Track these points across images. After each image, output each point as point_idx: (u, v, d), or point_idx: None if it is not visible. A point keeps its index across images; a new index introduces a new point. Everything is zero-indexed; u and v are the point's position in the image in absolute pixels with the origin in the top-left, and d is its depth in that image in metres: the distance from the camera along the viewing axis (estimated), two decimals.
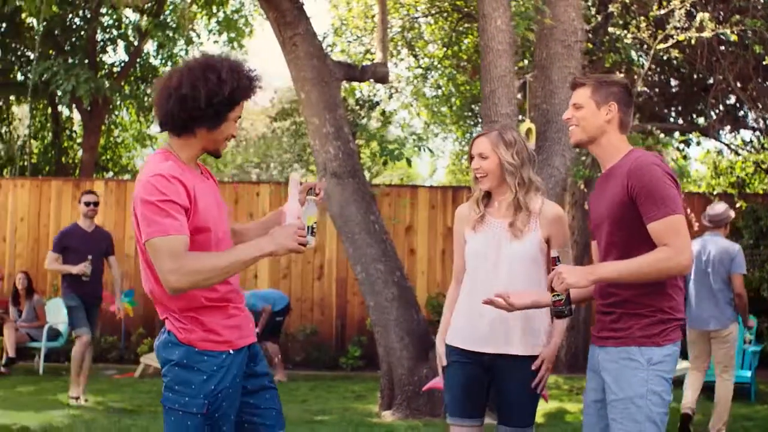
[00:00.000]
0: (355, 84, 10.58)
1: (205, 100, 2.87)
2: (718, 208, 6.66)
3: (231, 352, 2.97)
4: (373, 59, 10.61)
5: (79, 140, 15.55)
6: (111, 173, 15.97)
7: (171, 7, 12.93)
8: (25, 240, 11.69)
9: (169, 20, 12.72)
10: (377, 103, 10.96)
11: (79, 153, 14.81)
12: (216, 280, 2.84)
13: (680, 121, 12.96)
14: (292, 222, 2.91)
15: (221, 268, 2.80)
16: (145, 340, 11.07)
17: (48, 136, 15.55)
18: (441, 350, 3.76)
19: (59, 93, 12.16)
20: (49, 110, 15.25)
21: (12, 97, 14.70)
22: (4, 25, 13.19)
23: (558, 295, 3.16)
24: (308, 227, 3.03)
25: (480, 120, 10.57)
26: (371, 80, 8.80)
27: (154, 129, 17.17)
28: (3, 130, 15.30)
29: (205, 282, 2.81)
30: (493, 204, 3.70)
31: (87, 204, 8.10)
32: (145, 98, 15.01)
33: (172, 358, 2.92)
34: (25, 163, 14.74)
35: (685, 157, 13.28)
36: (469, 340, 3.64)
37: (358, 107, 10.64)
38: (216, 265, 2.80)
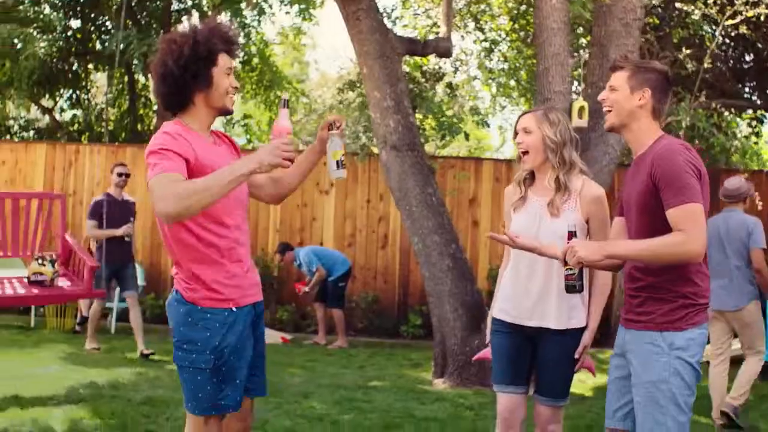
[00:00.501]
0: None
1: (176, 66, 3.08)
2: (734, 182, 6.27)
3: (234, 309, 3.18)
4: (438, 32, 10.74)
5: (153, 108, 15.91)
6: None
7: None
8: None
9: None
10: (443, 76, 11.06)
11: (154, 120, 15.14)
12: (206, 201, 2.93)
13: (754, 98, 12.75)
14: (278, 139, 3.02)
15: (207, 187, 2.91)
16: None
17: (124, 104, 15.90)
18: (490, 322, 3.98)
19: (135, 62, 12.37)
20: (126, 78, 15.61)
21: (91, 66, 15.06)
22: None
23: (570, 269, 3.28)
24: (336, 161, 3.21)
25: None
26: (434, 54, 8.90)
27: None
28: (82, 98, 15.67)
29: (195, 203, 2.91)
30: (536, 184, 3.86)
31: (120, 175, 9.03)
32: None
33: (178, 317, 3.17)
34: (102, 130, 15.09)
35: (757, 134, 13.08)
36: (513, 313, 3.83)
37: (424, 80, 10.74)
38: (201, 185, 2.92)
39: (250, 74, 15.92)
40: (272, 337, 10.35)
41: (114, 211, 8.76)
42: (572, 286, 3.32)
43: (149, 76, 14.52)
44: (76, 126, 15.53)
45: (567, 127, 3.81)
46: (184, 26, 3.28)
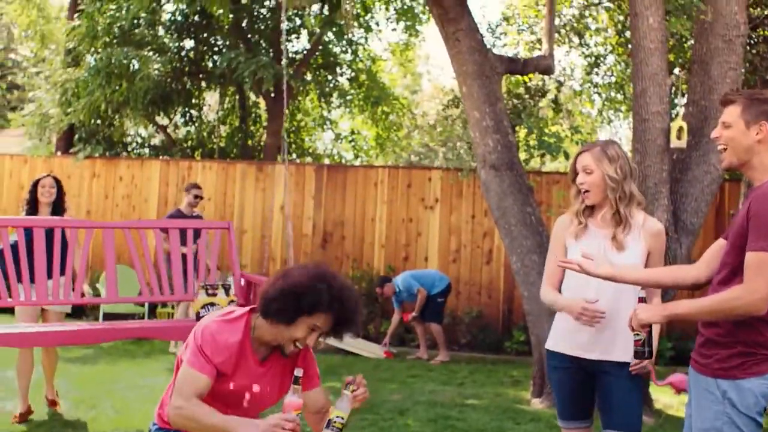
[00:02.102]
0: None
1: (292, 290, 3.11)
2: None
3: None
4: (536, 48, 10.85)
5: (263, 124, 16.28)
6: (294, 155, 16.68)
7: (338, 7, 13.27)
8: (212, 218, 12.35)
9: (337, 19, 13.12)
10: (547, 92, 11.08)
11: (264, 136, 15.50)
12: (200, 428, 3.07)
13: None
14: (284, 415, 3.02)
15: (209, 425, 3.04)
16: None
17: (235, 121, 16.25)
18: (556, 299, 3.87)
19: (245, 80, 12.77)
20: (236, 96, 15.97)
21: (203, 85, 15.48)
22: (196, 17, 13.94)
23: (637, 334, 3.29)
24: (329, 420, 3.11)
25: None
26: (535, 72, 8.96)
27: (335, 113, 17.95)
28: (195, 116, 16.09)
29: (192, 428, 3.08)
30: (595, 216, 3.85)
31: (195, 197, 9.71)
32: (326, 84, 15.59)
33: None
34: (214, 147, 15.56)
35: None
36: (572, 346, 3.81)
37: (527, 96, 10.81)
38: (207, 422, 3.05)
39: (357, 91, 16.11)
40: (375, 351, 10.49)
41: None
42: (640, 352, 3.31)
43: (259, 94, 15.21)
44: (189, 143, 15.96)
45: (626, 160, 3.81)
46: (339, 278, 3.21)
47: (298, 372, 3.08)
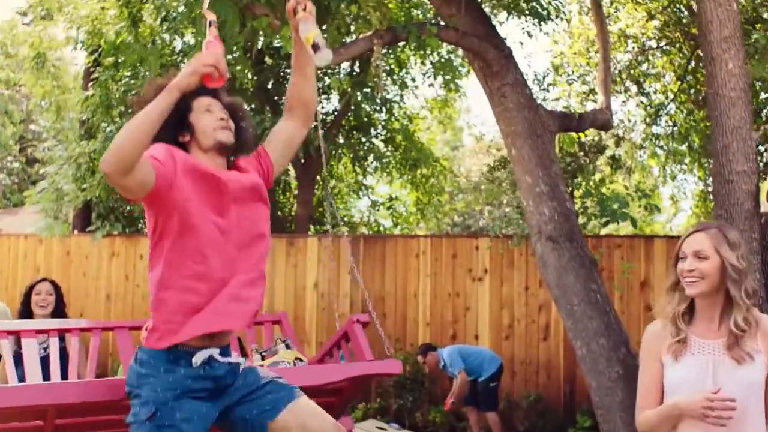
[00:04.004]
0: None
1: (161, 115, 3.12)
2: None
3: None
4: (597, 100, 10.28)
5: (294, 193, 16.05)
6: (328, 226, 16.08)
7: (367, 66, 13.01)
8: None
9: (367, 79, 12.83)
10: (604, 148, 10.51)
11: (294, 207, 15.29)
12: (135, 136, 2.99)
13: None
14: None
15: (132, 123, 2.99)
16: (359, 404, 11.28)
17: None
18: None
19: None
20: None
21: None
22: None
23: None
24: (312, 45, 3.19)
25: None
26: (590, 129, 8.45)
27: (371, 180, 17.67)
28: None
29: (124, 142, 2.96)
30: (695, 320, 3.28)
31: None
32: (360, 147, 15.36)
33: None
34: None
35: None
36: None
37: (582, 153, 10.23)
38: (128, 123, 3.01)
39: (393, 153, 15.88)
40: None
41: None
42: None
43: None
44: None
45: (746, 250, 3.30)
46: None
47: (210, 16, 3.27)
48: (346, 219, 17.05)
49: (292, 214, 15.54)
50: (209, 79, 3.16)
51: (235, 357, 3.39)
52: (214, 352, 3.28)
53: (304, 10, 3.30)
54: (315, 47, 3.19)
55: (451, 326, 11.62)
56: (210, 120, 3.35)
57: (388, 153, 15.81)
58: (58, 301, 5.75)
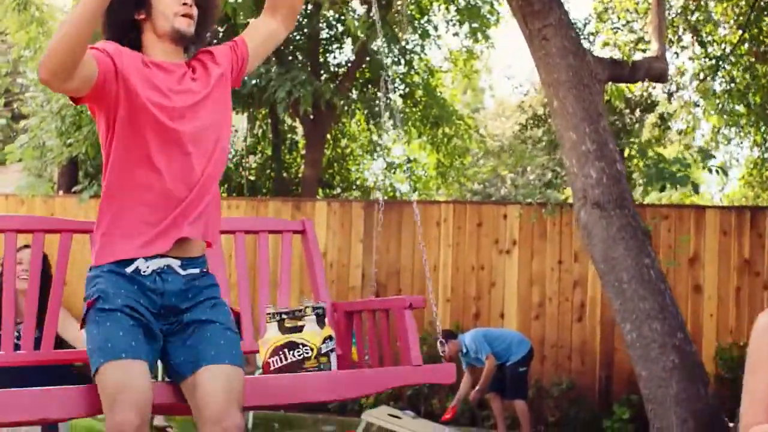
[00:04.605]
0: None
1: None
2: None
3: None
4: (646, 50, 9.80)
5: (301, 153, 15.83)
6: (338, 189, 16.02)
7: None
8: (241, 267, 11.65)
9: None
10: (654, 105, 9.94)
11: (301, 168, 15.08)
12: (72, 35, 2.85)
13: None
14: None
15: (67, 20, 2.88)
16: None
17: (267, 150, 15.91)
18: None
19: (279, 101, 12.25)
20: (269, 121, 15.56)
21: None
22: (221, 28, 13.42)
23: None
24: None
25: None
26: (645, 80, 7.92)
27: (386, 138, 17.19)
28: None
29: (60, 45, 2.84)
30: None
31: None
32: (376, 102, 14.92)
33: None
34: (242, 181, 15.04)
35: None
36: None
37: (627, 111, 9.67)
38: (62, 22, 2.90)
39: (413, 110, 15.49)
40: None
41: None
42: None
43: (295, 116, 14.68)
44: None
45: None
46: None
47: None
48: (358, 182, 16.89)
49: (299, 175, 15.32)
50: None
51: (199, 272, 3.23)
52: (173, 262, 3.17)
53: None
54: None
55: (474, 303, 11.29)
56: (171, 1, 3.18)
57: (407, 110, 15.49)
58: (45, 273, 4.82)
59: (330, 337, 3.73)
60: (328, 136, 14.54)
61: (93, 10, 2.89)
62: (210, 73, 3.27)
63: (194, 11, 3.24)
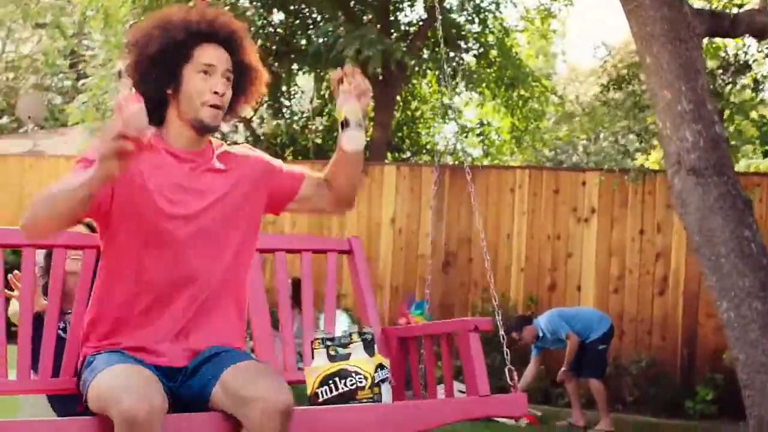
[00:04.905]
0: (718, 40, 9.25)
1: (142, 59, 2.98)
2: None
3: None
4: (743, 4, 9.34)
5: (370, 116, 15.22)
6: (407, 154, 15.81)
7: None
8: (305, 233, 11.68)
9: None
10: (748, 66, 9.42)
11: (370, 131, 14.76)
12: (46, 209, 2.73)
13: None
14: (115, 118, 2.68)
15: (47, 194, 2.73)
16: (439, 362, 10.51)
17: (334, 112, 15.42)
18: None
19: (347, 60, 11.86)
20: None
21: (295, 67, 14.81)
22: None
23: None
24: (343, 122, 3.08)
25: None
26: (746, 35, 7.44)
27: (459, 100, 17.15)
28: (284, 105, 15.61)
29: (39, 219, 2.75)
30: None
31: None
32: (448, 63, 14.63)
33: None
34: (308, 143, 14.95)
35: None
36: None
37: (720, 71, 9.16)
38: (43, 193, 2.75)
39: (486, 71, 15.18)
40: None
41: None
42: None
43: (365, 77, 14.29)
44: (278, 139, 15.48)
45: None
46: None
47: (118, 66, 2.75)
48: (428, 147, 16.69)
49: (367, 138, 14.82)
50: (133, 149, 2.58)
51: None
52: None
53: (351, 83, 3.13)
54: (345, 124, 3.09)
55: (549, 274, 11.10)
56: (202, 87, 2.99)
57: (481, 71, 15.18)
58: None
59: (381, 366, 3.43)
60: (398, 97, 14.33)
61: (91, 192, 2.70)
62: (234, 174, 3.11)
63: (225, 99, 3.05)
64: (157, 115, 3.01)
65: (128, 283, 2.98)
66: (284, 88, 15.21)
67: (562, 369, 9.23)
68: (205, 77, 2.98)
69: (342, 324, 9.75)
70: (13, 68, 25.18)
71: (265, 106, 15.44)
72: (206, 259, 3.02)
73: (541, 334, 9.34)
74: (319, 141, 15.36)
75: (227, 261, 3.06)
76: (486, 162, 17.04)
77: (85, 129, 14.15)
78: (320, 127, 15.80)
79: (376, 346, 3.44)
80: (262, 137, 15.47)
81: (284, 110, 15.57)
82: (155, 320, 2.99)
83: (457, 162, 15.17)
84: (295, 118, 15.76)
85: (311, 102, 15.70)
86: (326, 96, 15.53)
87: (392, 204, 11.45)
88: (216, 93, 2.99)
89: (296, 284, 9.90)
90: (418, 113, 16.60)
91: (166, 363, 2.96)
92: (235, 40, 3.07)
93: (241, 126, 15.66)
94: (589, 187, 10.89)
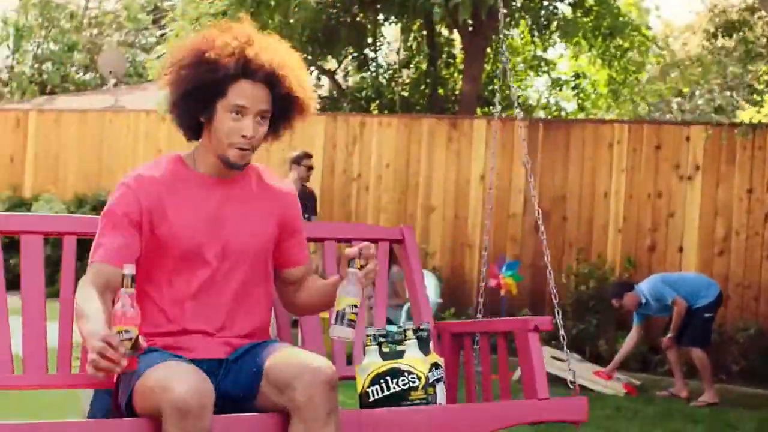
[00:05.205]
0: None
1: (186, 87, 2.96)
2: None
3: None
4: None
5: (459, 68, 15.33)
6: (498, 108, 15.23)
7: None
8: (391, 191, 11.72)
9: None
10: None
11: (459, 83, 14.65)
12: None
13: None
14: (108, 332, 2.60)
15: (77, 306, 2.79)
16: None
17: (422, 64, 15.57)
18: None
19: (436, 9, 11.74)
20: (424, 32, 15.15)
21: (380, 17, 14.68)
22: None
23: None
24: (338, 312, 2.95)
25: None
26: None
27: (553, 52, 17.04)
28: (369, 58, 15.45)
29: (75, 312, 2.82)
30: None
31: (309, 169, 9.72)
32: (542, 12, 14.47)
33: None
34: (395, 97, 14.73)
35: None
36: None
37: None
38: (78, 309, 2.79)
39: (582, 20, 14.77)
40: (611, 385, 8.89)
41: None
42: None
43: (453, 27, 14.29)
44: (363, 93, 15.36)
45: None
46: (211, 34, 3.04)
47: (128, 269, 2.65)
48: (520, 100, 16.31)
49: (456, 92, 14.86)
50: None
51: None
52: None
53: (362, 267, 2.99)
54: (340, 317, 2.93)
55: (649, 235, 10.79)
56: (231, 128, 2.95)
57: (576, 19, 14.76)
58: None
59: (436, 365, 3.31)
60: (489, 49, 13.95)
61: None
62: (265, 205, 3.12)
63: (257, 140, 2.99)
64: (193, 133, 3.08)
65: (158, 298, 3.03)
66: (370, 39, 15.02)
67: (669, 335, 8.87)
68: (236, 117, 2.94)
69: (430, 289, 9.54)
70: (97, 24, 25.55)
71: (349, 58, 15.29)
72: (234, 281, 3.06)
73: (644, 301, 8.98)
74: (405, 94, 15.18)
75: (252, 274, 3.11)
76: (580, 116, 16.74)
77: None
78: (407, 80, 15.64)
79: (432, 343, 3.36)
80: (346, 90, 15.40)
81: (370, 62, 15.42)
82: (190, 320, 3.01)
83: (550, 116, 14.91)
84: (381, 70, 15.60)
85: (398, 53, 15.52)
86: (413, 47, 15.31)
87: (482, 160, 11.20)
88: (244, 136, 2.95)
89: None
90: (509, 65, 16.20)
91: (202, 356, 2.96)
92: (277, 76, 2.98)
93: (325, 79, 15.63)
94: (693, 142, 10.54)
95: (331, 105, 15.00)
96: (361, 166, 11.87)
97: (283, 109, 3.03)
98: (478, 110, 14.44)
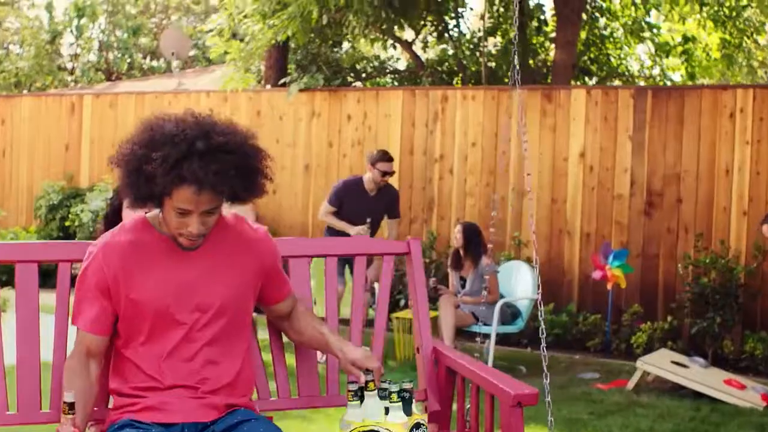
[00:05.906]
0: None
1: (134, 180, 3.06)
2: None
3: None
4: None
5: (550, 36, 14.92)
6: (595, 78, 15.01)
7: None
8: (477, 173, 11.14)
9: None
10: None
11: (551, 52, 14.27)
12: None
13: None
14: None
15: (65, 377, 3.10)
16: (642, 325, 9.72)
17: (511, 32, 15.14)
18: None
19: None
20: None
21: None
22: None
23: None
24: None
25: None
26: None
27: (656, 15, 16.46)
28: (451, 27, 15.13)
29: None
30: None
31: (384, 174, 8.85)
32: None
33: None
34: (480, 69, 14.31)
35: None
36: None
37: None
38: (64, 375, 3.12)
39: None
40: (744, 396, 7.83)
41: (358, 203, 8.91)
42: None
43: None
44: (444, 65, 15.06)
45: None
46: (175, 118, 3.07)
47: (68, 397, 2.94)
48: (620, 69, 15.96)
49: (548, 61, 14.41)
50: None
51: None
52: None
53: (366, 386, 3.24)
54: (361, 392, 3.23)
55: None
56: (177, 224, 3.06)
57: None
58: None
59: (418, 425, 3.47)
60: (584, 14, 13.42)
61: None
62: (239, 260, 3.19)
63: (204, 231, 3.08)
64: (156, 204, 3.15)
65: (136, 357, 3.15)
66: (450, 6, 14.70)
67: None
68: (181, 216, 3.03)
69: (526, 282, 8.58)
70: (163, 9, 25.70)
71: (428, 26, 15.02)
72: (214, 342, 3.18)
73: None
74: (492, 65, 14.76)
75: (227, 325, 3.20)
76: (689, 84, 15.84)
77: (230, 60, 13.75)
78: (493, 50, 15.24)
79: (414, 404, 3.52)
80: (426, 64, 15.12)
81: (451, 32, 15.14)
82: (168, 377, 3.13)
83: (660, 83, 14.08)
84: (464, 40, 15.28)
85: (482, 20, 15.00)
86: (499, 13, 14.96)
87: (581, 135, 10.49)
88: (191, 233, 3.06)
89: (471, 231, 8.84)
90: (607, 32, 15.93)
91: (183, 419, 3.10)
92: (220, 179, 2.99)
93: (401, 51, 15.37)
94: None
95: (408, 79, 14.74)
96: (443, 145, 11.34)
97: (233, 196, 3.06)
98: (573, 81, 13.95)
